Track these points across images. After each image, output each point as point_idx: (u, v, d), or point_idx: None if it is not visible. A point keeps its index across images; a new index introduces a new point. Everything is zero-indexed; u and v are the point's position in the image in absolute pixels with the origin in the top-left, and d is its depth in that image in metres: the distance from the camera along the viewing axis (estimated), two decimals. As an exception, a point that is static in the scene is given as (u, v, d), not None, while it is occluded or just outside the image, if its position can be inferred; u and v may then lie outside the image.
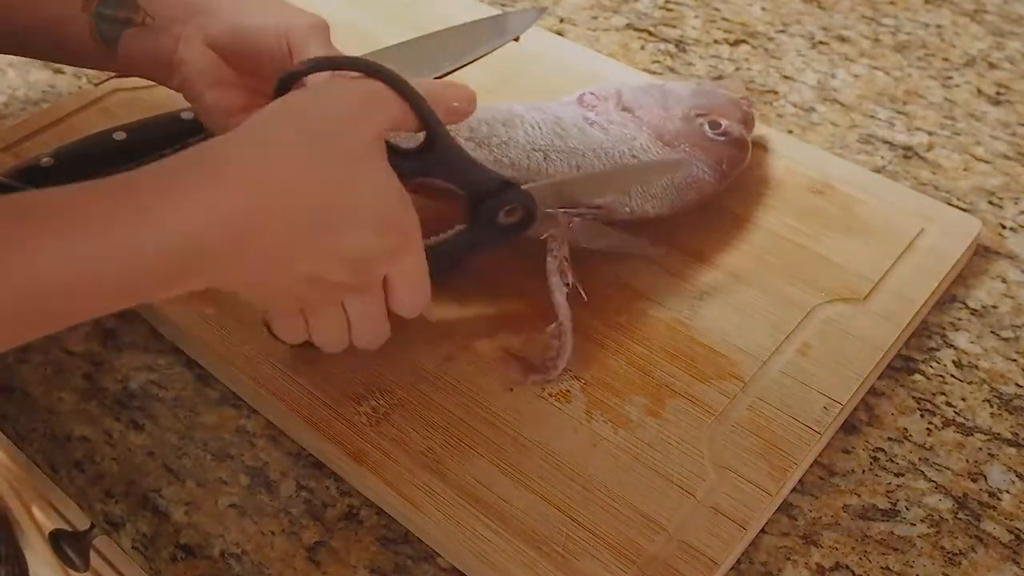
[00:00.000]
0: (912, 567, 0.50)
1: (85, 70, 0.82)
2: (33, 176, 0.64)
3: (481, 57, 0.70)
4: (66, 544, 0.62)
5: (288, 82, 0.47)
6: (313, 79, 0.48)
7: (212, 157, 0.42)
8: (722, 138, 0.63)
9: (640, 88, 0.66)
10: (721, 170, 0.63)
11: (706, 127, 0.63)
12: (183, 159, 0.42)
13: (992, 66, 0.82)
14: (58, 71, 0.82)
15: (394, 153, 0.48)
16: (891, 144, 0.74)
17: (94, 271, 0.39)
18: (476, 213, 0.53)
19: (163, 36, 0.57)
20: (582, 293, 0.57)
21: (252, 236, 0.42)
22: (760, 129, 0.72)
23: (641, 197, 0.60)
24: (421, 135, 0.49)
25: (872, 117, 0.77)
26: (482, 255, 0.57)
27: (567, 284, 0.57)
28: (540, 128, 0.60)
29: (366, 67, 0.46)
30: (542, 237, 0.56)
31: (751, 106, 0.67)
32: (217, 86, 0.57)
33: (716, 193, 0.63)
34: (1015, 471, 0.54)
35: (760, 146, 0.69)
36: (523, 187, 0.53)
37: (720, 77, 0.81)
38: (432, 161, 0.49)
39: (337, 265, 0.46)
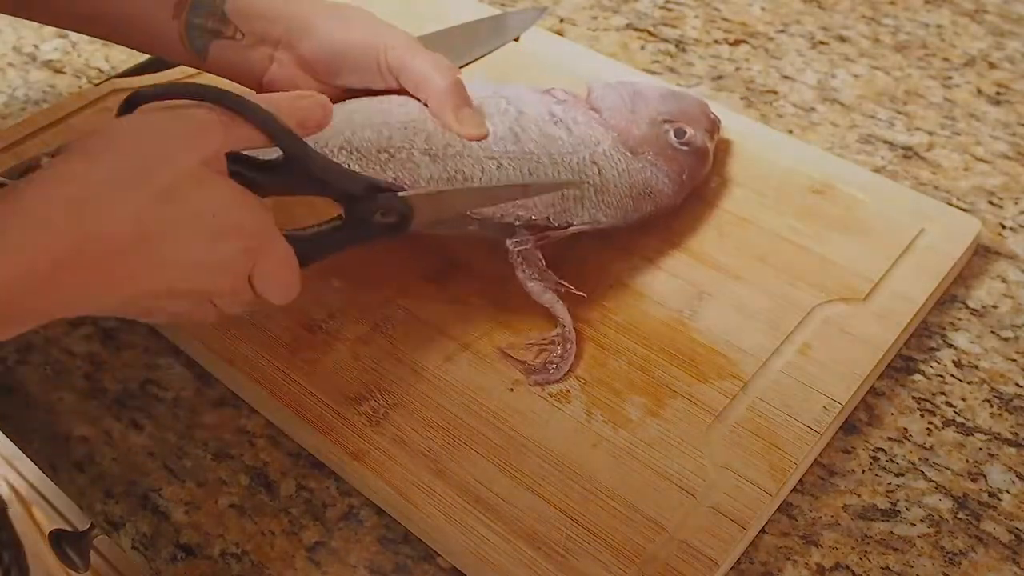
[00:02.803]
0: (912, 567, 0.50)
1: (85, 70, 0.82)
2: (33, 176, 0.64)
3: (481, 57, 0.70)
4: (66, 544, 0.62)
5: (132, 104, 0.47)
6: (149, 106, 0.48)
7: (16, 203, 0.41)
8: (685, 148, 0.63)
9: (610, 86, 0.65)
10: (680, 180, 0.62)
11: (671, 135, 0.62)
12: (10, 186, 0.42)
13: (992, 66, 0.82)
14: (58, 71, 0.82)
15: (253, 168, 0.49)
16: (891, 144, 0.74)
17: None
18: (349, 212, 0.52)
19: (254, 52, 0.59)
20: (578, 293, 0.57)
21: (67, 275, 0.42)
22: (760, 129, 0.72)
23: (595, 207, 0.59)
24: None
25: (872, 117, 0.77)
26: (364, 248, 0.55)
27: (558, 292, 0.57)
28: (497, 128, 0.58)
29: (199, 93, 0.46)
30: (511, 248, 0.56)
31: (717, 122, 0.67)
32: None
33: (673, 205, 0.62)
34: (1015, 471, 0.54)
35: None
36: (399, 194, 0.52)
37: (720, 77, 0.81)
38: (292, 174, 0.50)
39: (191, 275, 0.46)
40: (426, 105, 0.59)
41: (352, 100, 0.60)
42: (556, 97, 0.63)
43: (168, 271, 0.45)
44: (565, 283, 0.57)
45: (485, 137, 0.57)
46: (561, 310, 0.57)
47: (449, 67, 0.58)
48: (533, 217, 0.57)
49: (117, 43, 0.64)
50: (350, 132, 0.57)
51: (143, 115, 0.46)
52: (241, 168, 0.48)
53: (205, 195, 0.46)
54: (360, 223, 0.52)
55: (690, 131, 0.63)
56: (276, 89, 0.59)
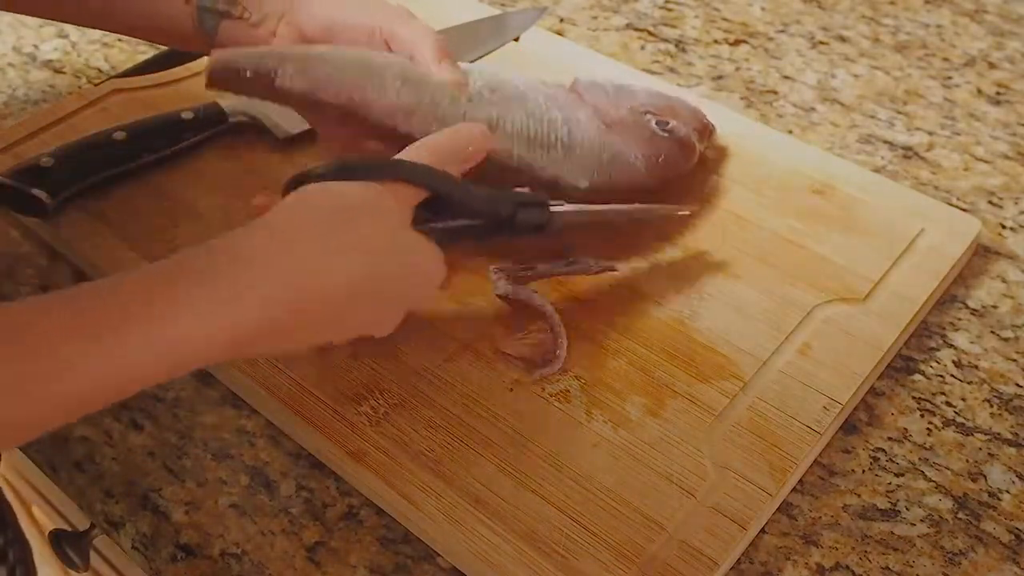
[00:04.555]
0: (912, 567, 0.50)
1: (85, 70, 0.82)
2: (33, 176, 0.64)
3: (481, 57, 0.70)
4: (66, 544, 0.62)
5: (300, 182, 0.48)
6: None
7: (234, 254, 0.43)
8: (665, 135, 0.63)
9: (596, 82, 0.65)
10: (655, 163, 0.62)
11: (652, 123, 0.63)
12: (204, 257, 0.42)
13: (992, 66, 0.82)
14: (58, 71, 0.82)
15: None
16: (891, 144, 0.74)
17: (143, 370, 0.39)
18: (491, 221, 0.54)
19: (258, 30, 0.61)
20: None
21: (292, 322, 0.43)
22: (760, 129, 0.72)
23: (561, 163, 0.60)
24: None
25: (872, 117, 0.77)
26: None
27: (534, 289, 0.58)
28: (477, 82, 0.60)
29: (382, 172, 0.48)
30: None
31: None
32: None
33: (647, 186, 0.62)
34: (1015, 471, 0.54)
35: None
36: (552, 208, 0.54)
37: (720, 77, 0.81)
38: (447, 212, 0.52)
39: (380, 321, 0.49)
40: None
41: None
42: (542, 80, 0.64)
43: (372, 321, 0.48)
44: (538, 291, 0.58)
45: (464, 83, 0.59)
46: (540, 299, 0.58)
47: (431, 30, 0.61)
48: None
49: (125, 34, 0.65)
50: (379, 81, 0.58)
51: (334, 186, 0.47)
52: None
53: (407, 256, 0.48)
54: (502, 227, 0.54)
55: (673, 122, 0.63)
56: None
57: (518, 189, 0.55)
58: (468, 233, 0.53)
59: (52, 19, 0.65)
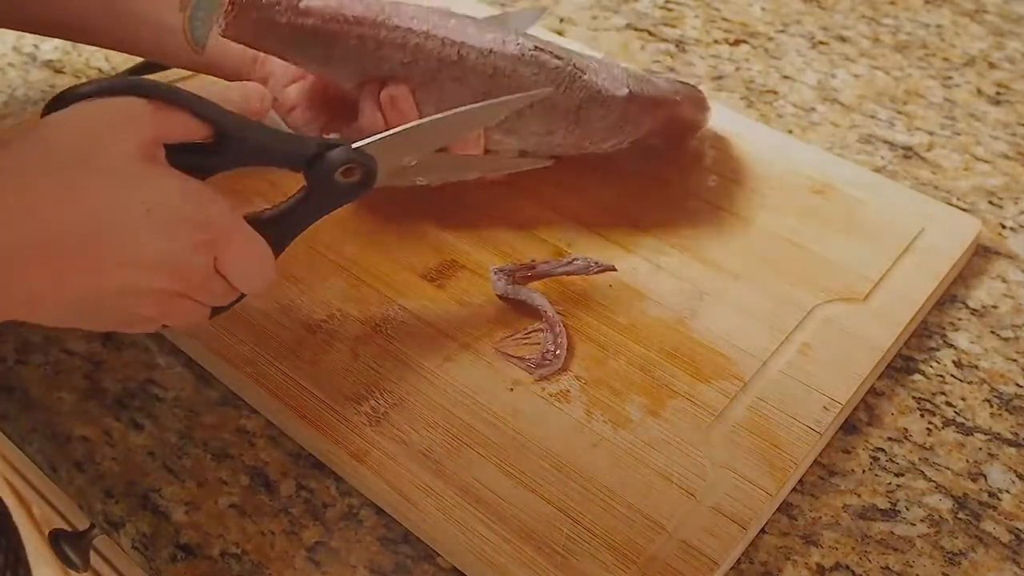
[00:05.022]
0: (912, 567, 0.50)
1: (85, 70, 0.82)
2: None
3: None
4: (66, 544, 0.62)
5: (58, 104, 0.46)
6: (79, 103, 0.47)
7: None
8: (639, 95, 0.61)
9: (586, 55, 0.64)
10: (619, 126, 0.61)
11: (627, 79, 0.61)
12: None
13: (992, 66, 0.82)
14: (58, 71, 0.82)
15: (196, 154, 0.48)
16: (891, 144, 0.74)
17: None
18: (310, 178, 0.51)
19: None
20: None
21: (16, 273, 0.41)
22: (760, 129, 0.72)
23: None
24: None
25: (872, 117, 0.77)
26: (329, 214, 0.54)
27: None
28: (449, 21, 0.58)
29: (128, 87, 0.46)
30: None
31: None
32: (293, 85, 0.62)
33: (602, 143, 0.62)
34: (1015, 471, 0.54)
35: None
36: (354, 145, 0.51)
37: (720, 77, 0.81)
38: (234, 148, 0.49)
39: (145, 273, 0.46)
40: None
41: None
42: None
43: (121, 269, 0.44)
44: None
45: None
46: (539, 299, 0.58)
47: None
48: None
49: (115, 48, 0.65)
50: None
51: (72, 110, 0.45)
52: (185, 158, 0.47)
53: (147, 187, 0.45)
54: (324, 188, 0.51)
55: (651, 84, 0.62)
56: (268, 72, 0.62)
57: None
58: (295, 213, 0.51)
59: (34, 32, 0.65)
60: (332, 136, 0.54)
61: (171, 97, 0.47)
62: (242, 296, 0.51)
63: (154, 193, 0.45)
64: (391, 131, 0.53)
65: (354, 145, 0.51)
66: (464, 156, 0.58)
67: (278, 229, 0.51)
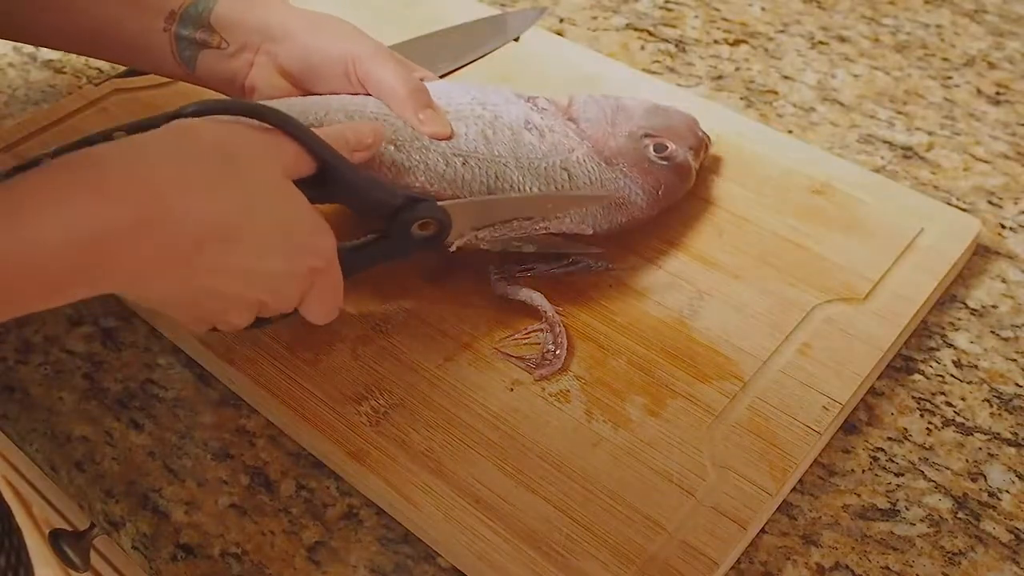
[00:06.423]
0: (912, 567, 0.50)
1: (85, 70, 0.82)
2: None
3: (481, 57, 0.70)
4: (66, 544, 0.62)
5: (195, 114, 0.47)
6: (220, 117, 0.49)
7: (93, 163, 0.42)
8: (664, 163, 0.61)
9: (593, 99, 0.64)
10: (655, 196, 0.61)
11: (651, 149, 0.61)
12: (64, 164, 0.42)
13: (992, 66, 0.82)
14: (58, 71, 0.82)
15: (301, 183, 0.50)
16: (891, 144, 0.74)
17: None
18: (389, 226, 0.54)
19: (236, 61, 0.60)
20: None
21: (128, 248, 0.41)
22: (760, 129, 0.72)
23: (563, 212, 0.59)
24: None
25: (872, 117, 0.77)
26: (400, 262, 0.57)
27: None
28: (468, 129, 0.58)
29: (260, 113, 0.47)
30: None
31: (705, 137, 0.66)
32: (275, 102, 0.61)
33: (648, 218, 0.61)
34: (1015, 471, 0.54)
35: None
36: (438, 203, 0.54)
37: (720, 77, 0.81)
38: (327, 189, 0.51)
39: (254, 285, 0.47)
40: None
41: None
42: (537, 105, 0.62)
43: (239, 276, 0.46)
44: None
45: (449, 136, 0.58)
46: (539, 299, 0.58)
47: (409, 76, 0.58)
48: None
49: (111, 61, 0.65)
50: (323, 114, 0.57)
51: (223, 122, 0.46)
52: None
53: (285, 208, 0.47)
54: (400, 236, 0.55)
55: (671, 146, 0.61)
56: (256, 93, 0.61)
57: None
58: (366, 252, 0.54)
59: (31, 44, 0.65)
60: (414, 191, 0.56)
61: (289, 129, 0.48)
62: (286, 316, 0.52)
63: (290, 216, 0.47)
64: (473, 199, 0.56)
65: (440, 203, 0.54)
66: (526, 232, 0.59)
67: (347, 262, 0.52)
